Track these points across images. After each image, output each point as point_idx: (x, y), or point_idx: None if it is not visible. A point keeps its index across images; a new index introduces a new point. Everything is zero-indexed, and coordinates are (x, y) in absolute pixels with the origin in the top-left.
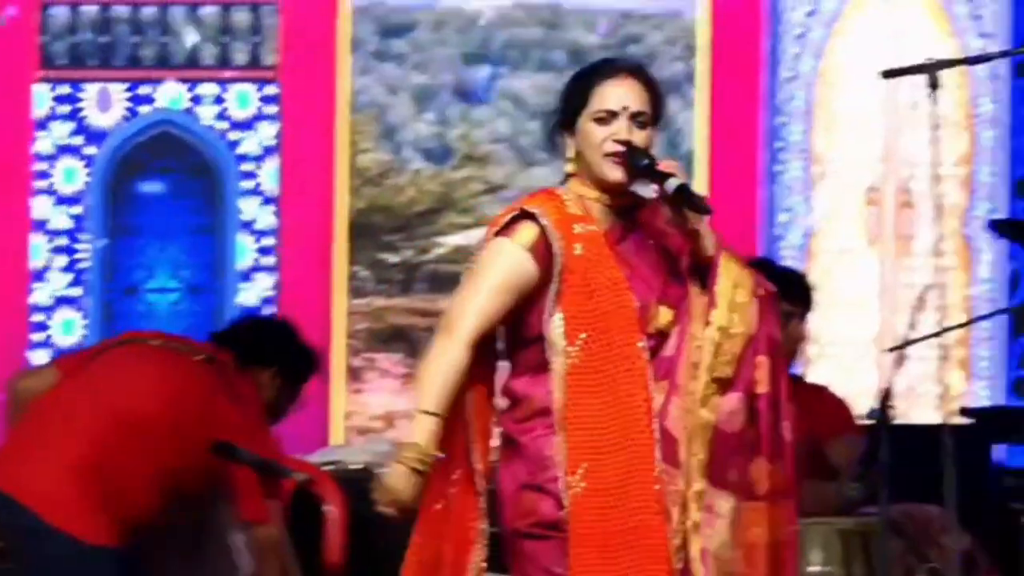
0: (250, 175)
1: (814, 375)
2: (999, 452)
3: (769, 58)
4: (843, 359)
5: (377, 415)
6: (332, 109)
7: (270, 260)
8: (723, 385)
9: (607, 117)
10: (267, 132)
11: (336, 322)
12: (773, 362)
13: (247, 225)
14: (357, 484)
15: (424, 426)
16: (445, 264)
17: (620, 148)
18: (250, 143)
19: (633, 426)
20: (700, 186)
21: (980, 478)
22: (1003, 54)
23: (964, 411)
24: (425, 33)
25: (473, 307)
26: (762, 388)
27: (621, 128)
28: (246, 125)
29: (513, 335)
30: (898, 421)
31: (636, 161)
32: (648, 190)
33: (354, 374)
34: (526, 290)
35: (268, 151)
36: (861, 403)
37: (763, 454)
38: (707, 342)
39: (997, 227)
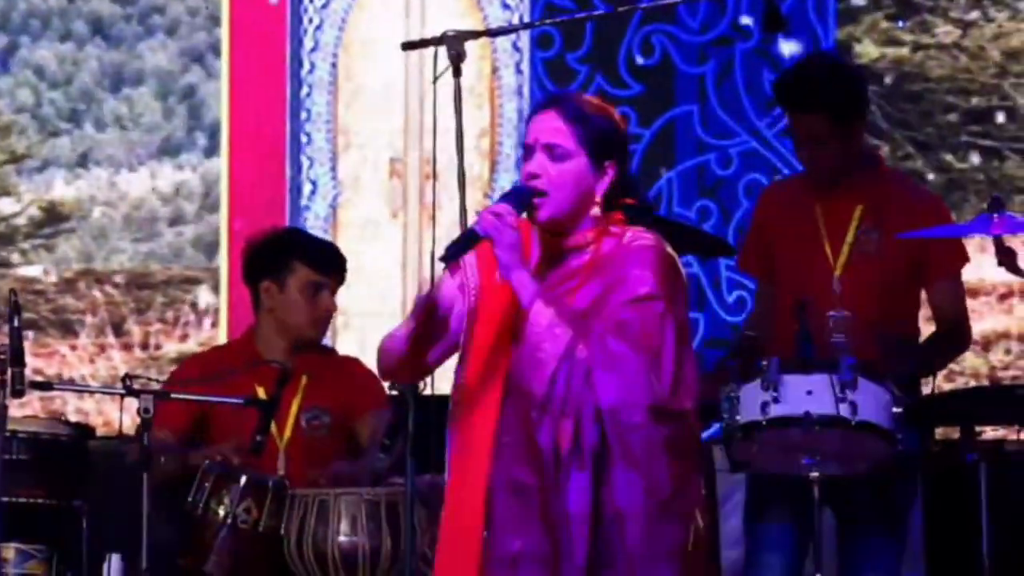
0: None
1: (341, 347)
2: None
3: (291, 29)
4: (367, 331)
5: None
6: None
7: None
8: None
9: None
10: None
11: None
12: None
13: None
14: None
15: None
16: None
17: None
18: None
19: None
20: (225, 156)
21: None
22: (524, 26)
23: None
24: None
25: None
26: None
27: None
28: None
29: None
30: (426, 392)
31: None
32: None
33: None
34: None
35: None
36: None
37: None
38: None
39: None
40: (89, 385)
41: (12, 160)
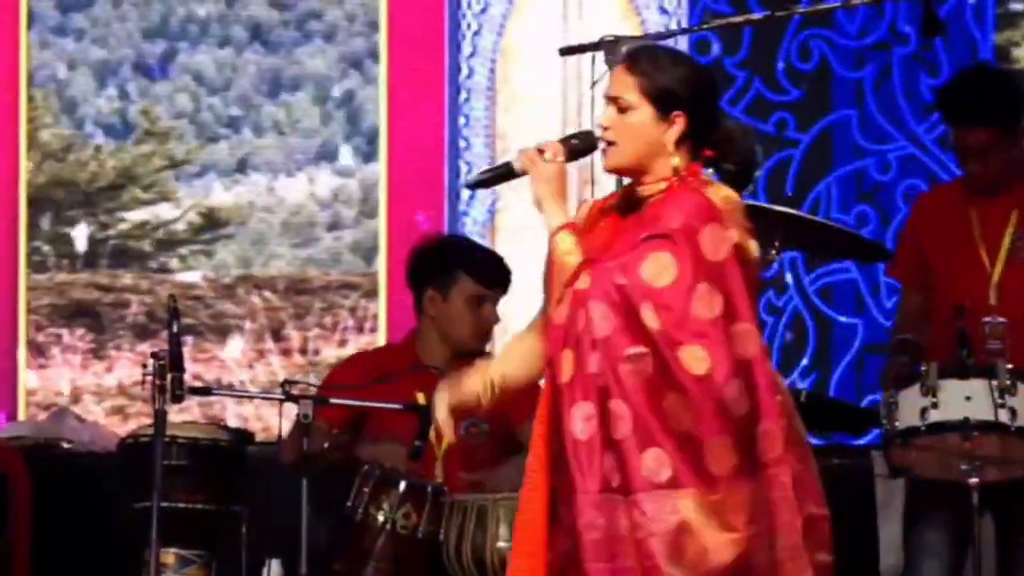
0: None
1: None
2: None
3: (449, 34)
4: None
5: (61, 391)
6: (15, 84)
7: None
8: None
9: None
10: None
11: (20, 297)
12: None
13: None
14: (42, 459)
15: None
16: (128, 239)
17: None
18: None
19: None
20: (384, 162)
21: None
22: (682, 31)
23: None
24: (105, 7)
25: None
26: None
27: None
28: None
29: None
30: None
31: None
32: None
33: (38, 350)
34: None
35: None
36: None
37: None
38: None
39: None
40: (248, 390)
41: (171, 166)
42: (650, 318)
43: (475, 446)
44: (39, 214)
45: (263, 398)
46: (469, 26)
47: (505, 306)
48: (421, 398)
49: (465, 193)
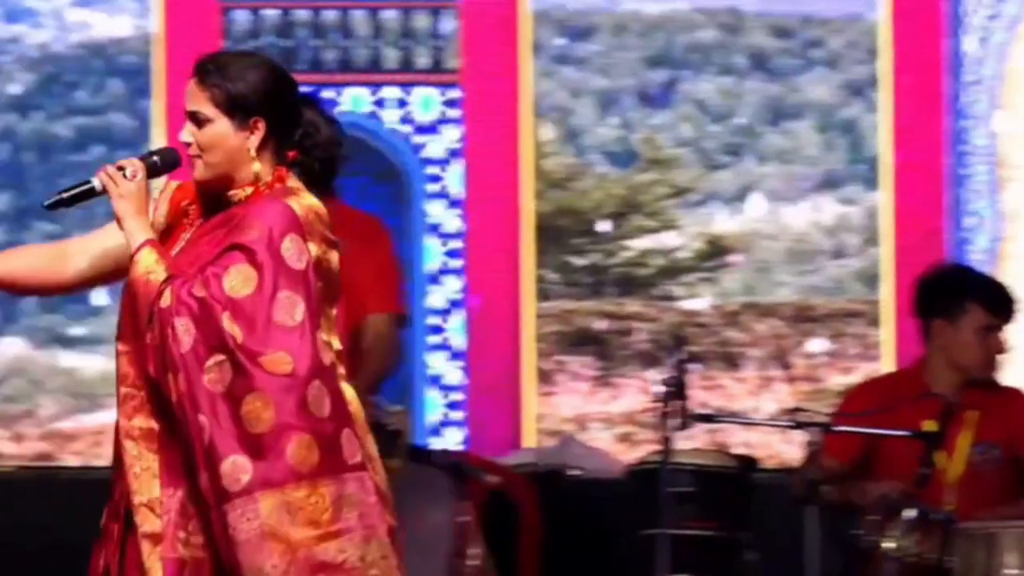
0: (435, 178)
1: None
2: None
3: (951, 60)
4: None
5: (568, 417)
6: (515, 113)
7: (457, 263)
8: None
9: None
10: (451, 135)
11: (525, 325)
12: None
13: (434, 228)
14: (549, 486)
15: None
16: (632, 267)
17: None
18: (435, 146)
19: None
20: (887, 189)
21: None
22: None
23: None
24: (607, 37)
25: None
26: None
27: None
28: (430, 129)
29: None
30: None
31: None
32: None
33: (544, 377)
34: None
35: (453, 154)
36: None
37: None
38: None
39: None
40: (753, 417)
41: (675, 194)
42: (231, 327)
43: (986, 473)
44: (544, 242)
45: (769, 425)
46: (968, 52)
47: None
48: (927, 425)
49: (969, 221)
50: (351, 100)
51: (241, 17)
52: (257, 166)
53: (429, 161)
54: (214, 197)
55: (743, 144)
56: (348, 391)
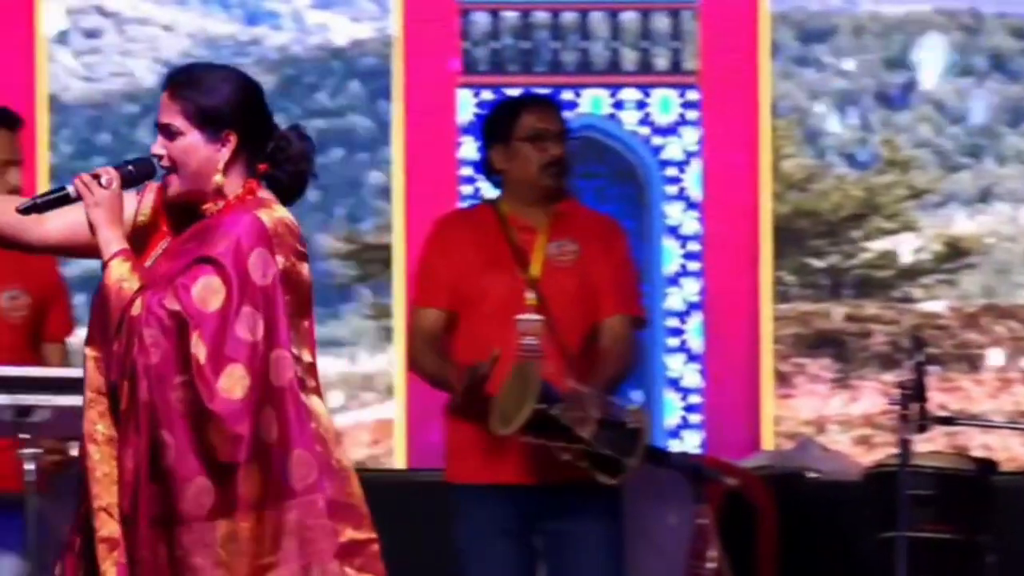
0: (674, 180)
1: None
2: None
3: None
4: None
5: (806, 420)
6: (754, 114)
7: (695, 265)
8: None
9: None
10: (690, 137)
11: (763, 327)
12: None
13: (672, 230)
14: (788, 489)
15: None
16: (872, 269)
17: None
18: (673, 148)
19: None
20: None
21: None
22: None
23: None
24: (845, 38)
25: None
26: None
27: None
28: (669, 130)
29: None
30: None
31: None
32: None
33: (783, 379)
34: None
35: (691, 156)
36: None
37: None
38: None
39: None
40: (992, 420)
41: (913, 195)
42: (196, 347)
43: None
44: (783, 244)
45: (1009, 428)
46: None
47: None
48: None
49: None
50: (590, 102)
51: (480, 19)
52: (219, 178)
53: (667, 163)
54: (187, 210)
55: (983, 146)
56: (316, 405)
